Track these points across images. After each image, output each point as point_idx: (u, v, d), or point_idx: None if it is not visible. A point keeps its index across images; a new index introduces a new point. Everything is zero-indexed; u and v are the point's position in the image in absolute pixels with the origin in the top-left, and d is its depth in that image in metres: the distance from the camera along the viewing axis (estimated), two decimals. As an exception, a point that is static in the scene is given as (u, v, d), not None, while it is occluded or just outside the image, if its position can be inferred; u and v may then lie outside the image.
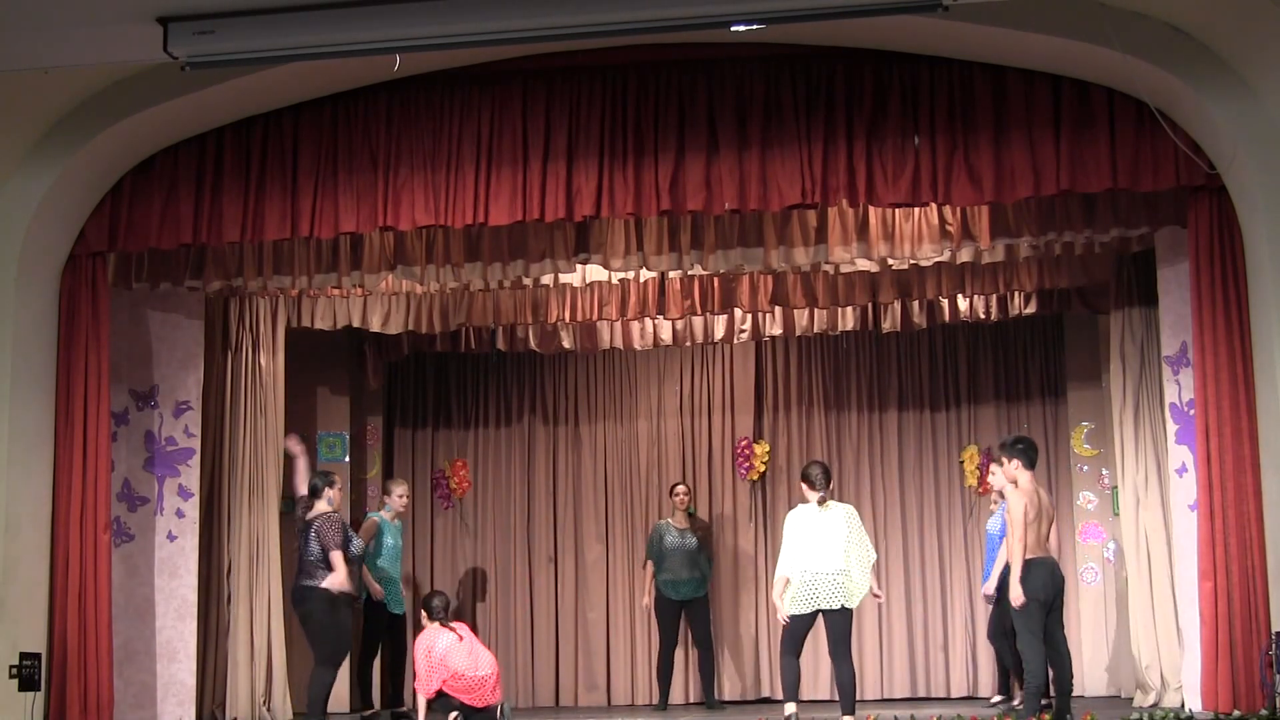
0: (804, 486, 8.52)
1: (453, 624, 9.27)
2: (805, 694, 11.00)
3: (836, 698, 8.55)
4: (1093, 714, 8.51)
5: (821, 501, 8.41)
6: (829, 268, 9.78)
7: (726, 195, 8.26)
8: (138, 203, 8.82)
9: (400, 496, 10.50)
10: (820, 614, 8.25)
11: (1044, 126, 8.10)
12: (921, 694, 11.48)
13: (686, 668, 11.52)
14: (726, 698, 11.31)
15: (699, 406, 12.25)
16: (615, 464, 12.26)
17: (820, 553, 8.25)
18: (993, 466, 9.76)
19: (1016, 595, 8.00)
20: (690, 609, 10.85)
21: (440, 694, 9.01)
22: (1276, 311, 7.64)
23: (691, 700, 11.60)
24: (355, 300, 10.48)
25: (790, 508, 8.75)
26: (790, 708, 8.32)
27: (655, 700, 11.03)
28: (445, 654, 9.00)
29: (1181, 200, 8.38)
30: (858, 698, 11.33)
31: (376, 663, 10.67)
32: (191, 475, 9.72)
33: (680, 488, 11.11)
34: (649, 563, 10.92)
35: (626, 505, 12.18)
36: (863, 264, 9.51)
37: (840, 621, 8.24)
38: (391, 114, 8.62)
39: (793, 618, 8.28)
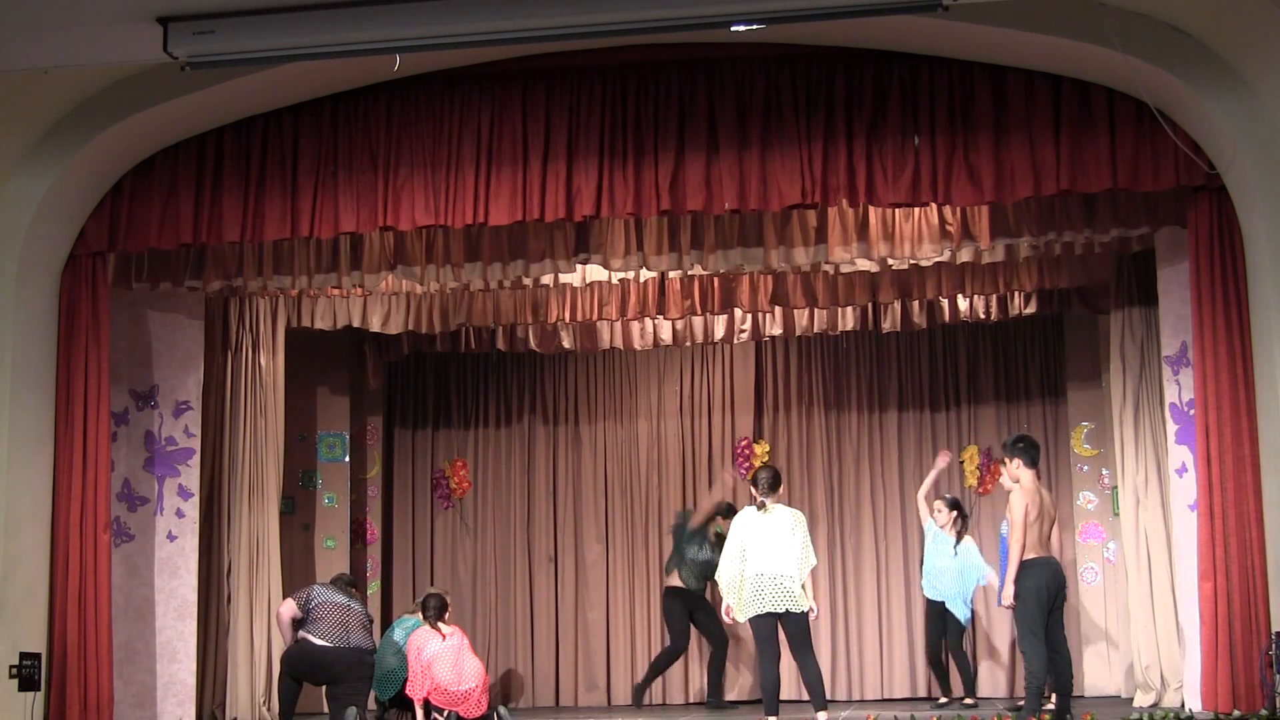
0: (751, 489, 8.57)
1: (442, 627, 9.16)
2: (789, 694, 11.05)
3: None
4: (1093, 714, 8.51)
5: (760, 506, 8.40)
6: (829, 268, 9.78)
7: (726, 195, 8.25)
8: (138, 203, 8.82)
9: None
10: (776, 616, 8.24)
11: (1044, 126, 8.10)
12: (921, 694, 11.47)
13: (687, 668, 11.52)
14: (726, 698, 11.30)
15: (699, 406, 12.25)
16: (615, 464, 12.26)
17: (759, 556, 8.26)
18: (999, 468, 9.76)
19: (1008, 595, 8.01)
20: (702, 606, 10.79)
21: (427, 702, 8.97)
22: (1276, 311, 7.63)
23: (692, 700, 11.60)
24: (355, 300, 10.48)
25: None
26: None
27: (706, 698, 10.90)
28: (431, 660, 8.94)
29: (1181, 200, 8.37)
30: (858, 698, 11.45)
31: None
32: (191, 475, 9.72)
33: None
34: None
35: (626, 505, 12.18)
36: (863, 264, 9.51)
37: (791, 623, 8.23)
38: (391, 114, 8.61)
39: (752, 621, 8.28)
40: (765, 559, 8.25)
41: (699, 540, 10.74)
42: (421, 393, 12.56)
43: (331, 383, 11.89)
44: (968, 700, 10.14)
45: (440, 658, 8.93)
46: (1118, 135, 8.05)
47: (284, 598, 9.67)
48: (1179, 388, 8.91)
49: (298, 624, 9.13)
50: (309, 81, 8.51)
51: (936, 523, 10.24)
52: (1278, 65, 7.57)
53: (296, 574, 10.94)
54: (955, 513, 10.19)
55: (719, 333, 11.23)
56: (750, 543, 8.33)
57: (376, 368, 11.98)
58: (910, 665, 11.56)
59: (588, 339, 11.30)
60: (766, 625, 8.25)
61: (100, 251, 8.92)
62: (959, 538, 10.16)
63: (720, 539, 10.80)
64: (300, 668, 9.09)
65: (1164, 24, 7.74)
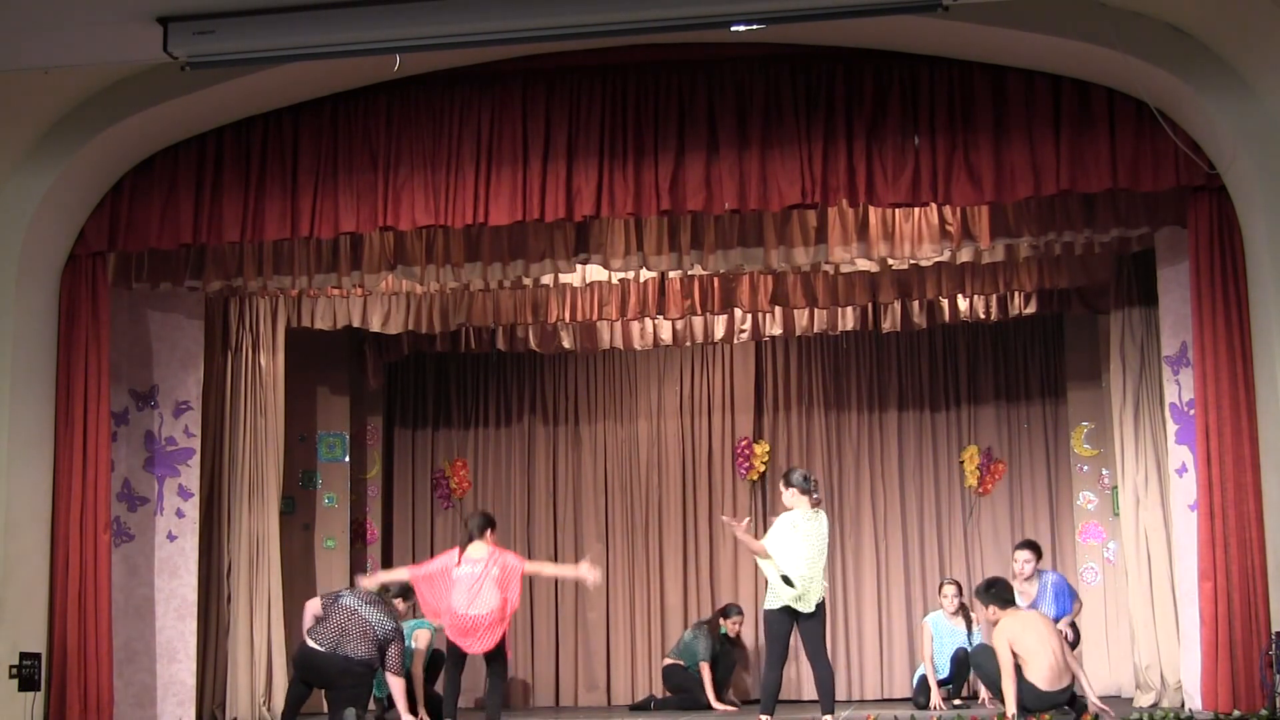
0: (805, 493, 8.41)
1: (471, 550, 8.52)
2: (798, 695, 11.06)
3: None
4: (1093, 715, 8.51)
5: (816, 506, 8.32)
6: (829, 268, 9.78)
7: (726, 195, 8.25)
8: (138, 203, 8.81)
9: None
10: (796, 618, 8.11)
11: (1044, 126, 8.09)
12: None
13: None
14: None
15: (699, 406, 12.26)
16: (615, 464, 12.26)
17: (809, 558, 8.11)
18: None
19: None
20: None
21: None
22: (1276, 311, 7.63)
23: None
24: (355, 300, 10.48)
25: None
26: None
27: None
28: (454, 584, 8.50)
29: (1181, 200, 8.37)
30: (858, 698, 11.44)
31: None
32: (191, 475, 9.72)
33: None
34: None
35: (626, 505, 12.19)
36: (863, 264, 9.51)
37: (810, 622, 8.06)
38: (391, 114, 8.61)
39: (772, 615, 8.09)
40: (811, 560, 8.11)
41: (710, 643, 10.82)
42: (421, 393, 12.57)
43: (331, 383, 11.89)
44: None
45: (460, 583, 8.50)
46: (1118, 135, 8.05)
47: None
48: (1179, 388, 8.91)
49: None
50: (309, 81, 8.51)
51: (946, 611, 10.28)
52: (1278, 65, 7.57)
53: (296, 574, 10.94)
54: (959, 598, 10.29)
55: (719, 333, 11.23)
56: (806, 545, 8.13)
57: (376, 368, 11.99)
58: (909, 665, 11.55)
59: (588, 339, 11.30)
60: (784, 624, 8.16)
61: (100, 251, 8.92)
62: (968, 624, 10.30)
63: (726, 639, 10.90)
64: (300, 668, 9.05)
65: (1164, 24, 7.74)
